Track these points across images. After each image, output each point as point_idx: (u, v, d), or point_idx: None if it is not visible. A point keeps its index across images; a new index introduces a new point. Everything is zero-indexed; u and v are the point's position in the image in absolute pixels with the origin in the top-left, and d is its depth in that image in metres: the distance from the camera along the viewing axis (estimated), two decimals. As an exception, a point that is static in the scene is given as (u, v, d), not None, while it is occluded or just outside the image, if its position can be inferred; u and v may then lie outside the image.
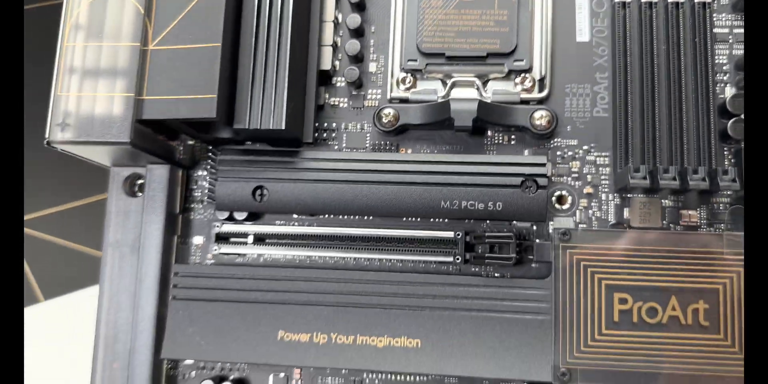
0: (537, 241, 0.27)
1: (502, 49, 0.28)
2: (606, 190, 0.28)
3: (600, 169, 0.28)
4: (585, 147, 0.28)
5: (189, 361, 0.28)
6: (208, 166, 0.29)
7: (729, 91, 0.27)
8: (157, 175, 0.28)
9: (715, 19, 0.28)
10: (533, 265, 0.27)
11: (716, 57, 0.28)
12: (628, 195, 0.28)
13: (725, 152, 0.27)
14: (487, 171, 0.26)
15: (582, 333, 0.25)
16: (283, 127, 0.25)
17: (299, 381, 0.27)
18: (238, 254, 0.28)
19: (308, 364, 0.26)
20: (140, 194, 0.28)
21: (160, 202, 0.28)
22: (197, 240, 0.29)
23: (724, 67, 0.28)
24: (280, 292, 0.27)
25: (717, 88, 0.28)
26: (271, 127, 0.25)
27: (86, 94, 0.25)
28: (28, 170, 0.43)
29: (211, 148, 0.29)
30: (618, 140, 0.27)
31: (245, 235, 0.28)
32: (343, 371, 0.27)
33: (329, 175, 0.27)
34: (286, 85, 0.26)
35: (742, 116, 0.26)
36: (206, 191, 0.29)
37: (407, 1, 0.29)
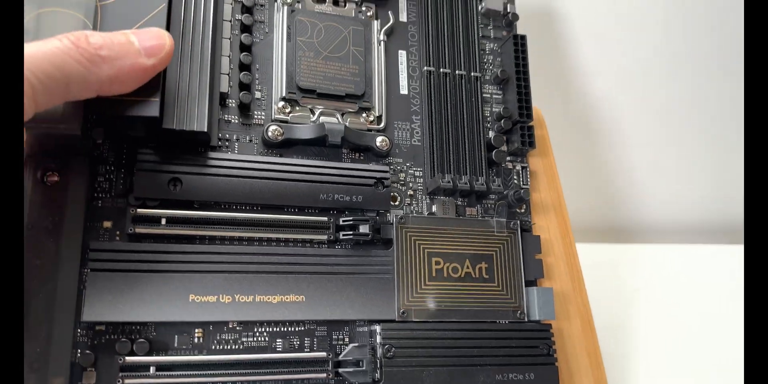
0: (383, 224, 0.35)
1: (355, 92, 0.37)
2: (420, 193, 0.38)
3: (417, 178, 0.38)
4: (408, 164, 0.38)
5: (101, 327, 0.29)
6: (123, 161, 0.31)
7: (491, 133, 0.40)
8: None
9: (483, 88, 0.41)
10: (377, 242, 0.35)
11: (484, 111, 0.41)
12: (435, 197, 0.38)
13: (491, 171, 0.39)
14: (353, 174, 0.34)
15: (413, 285, 0.34)
16: (205, 129, 0.30)
17: (200, 338, 0.31)
18: (152, 234, 0.31)
19: (216, 319, 0.30)
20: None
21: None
22: (106, 224, 0.31)
23: (488, 118, 0.41)
24: (189, 263, 0.30)
25: (485, 130, 0.40)
26: (195, 129, 0.30)
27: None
28: None
29: (125, 145, 0.32)
30: (426, 160, 0.38)
31: (159, 218, 0.31)
32: (238, 327, 0.32)
33: (234, 171, 0.32)
34: (209, 89, 0.31)
35: (502, 148, 0.39)
36: (116, 182, 0.31)
37: (286, 50, 0.36)
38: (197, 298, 0.30)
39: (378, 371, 0.32)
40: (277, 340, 0.32)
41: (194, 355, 0.30)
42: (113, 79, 0.25)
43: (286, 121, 0.36)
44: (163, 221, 0.31)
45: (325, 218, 0.34)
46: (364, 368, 0.31)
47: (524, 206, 0.39)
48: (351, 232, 0.33)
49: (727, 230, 0.62)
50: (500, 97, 0.41)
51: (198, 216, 0.31)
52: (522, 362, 0.34)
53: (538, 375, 0.34)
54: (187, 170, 0.31)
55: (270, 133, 0.34)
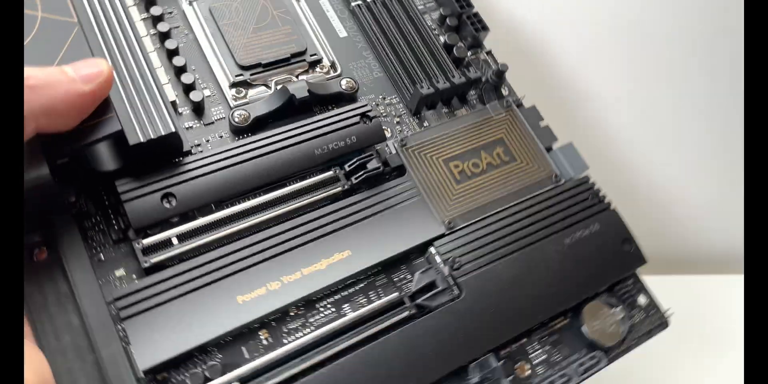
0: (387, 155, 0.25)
1: (298, 49, 0.27)
2: (406, 117, 0.28)
3: (395, 106, 0.28)
4: (380, 96, 0.28)
5: (164, 375, 0.20)
6: (106, 203, 0.22)
7: (442, 38, 0.29)
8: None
9: (415, 2, 0.30)
10: (393, 173, 0.25)
11: (425, 21, 0.30)
12: (420, 114, 0.28)
13: (460, 69, 0.29)
14: (336, 120, 0.24)
15: (444, 195, 0.24)
16: (173, 130, 0.20)
17: (268, 339, 0.22)
18: (170, 258, 0.21)
19: (276, 308, 0.21)
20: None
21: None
22: (118, 273, 0.22)
23: (433, 26, 0.30)
24: (220, 269, 0.22)
25: (435, 37, 0.30)
26: (163, 133, 0.20)
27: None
28: None
29: (101, 189, 0.22)
30: (396, 85, 0.28)
31: (169, 240, 0.21)
32: (300, 311, 0.22)
33: (220, 164, 0.23)
34: (159, 95, 0.21)
35: (459, 44, 0.28)
36: (109, 230, 0.22)
37: (214, 39, 0.26)
38: (246, 297, 0.21)
39: (455, 286, 0.22)
40: (343, 306, 0.22)
41: (252, 369, 0.21)
42: (48, 110, 0.18)
43: (247, 104, 0.25)
44: (175, 241, 0.21)
45: (331, 172, 0.24)
46: (440, 288, 0.22)
47: (506, 87, 0.29)
48: (362, 172, 0.23)
49: (723, 260, 0.42)
50: (434, 4, 0.30)
51: (207, 221, 0.22)
52: (581, 218, 0.24)
53: (602, 223, 0.24)
54: (174, 181, 0.22)
55: (237, 119, 0.24)
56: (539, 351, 0.24)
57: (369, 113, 0.25)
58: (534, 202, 0.25)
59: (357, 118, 0.25)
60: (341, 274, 0.22)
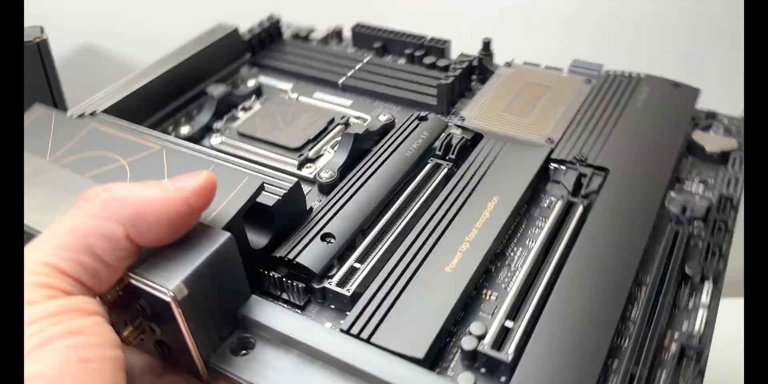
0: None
1: (328, 119, 0.33)
2: (443, 117, 0.33)
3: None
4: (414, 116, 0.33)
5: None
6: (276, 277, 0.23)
7: (423, 68, 0.36)
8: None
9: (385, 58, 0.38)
10: (471, 147, 0.29)
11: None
12: (450, 110, 0.33)
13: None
14: (401, 131, 0.29)
15: (525, 128, 0.29)
16: (295, 179, 0.23)
17: (493, 294, 0.22)
18: (362, 281, 0.22)
19: (479, 261, 0.22)
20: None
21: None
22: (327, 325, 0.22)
23: (405, 63, 0.37)
24: (415, 258, 0.23)
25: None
26: (289, 186, 0.23)
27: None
28: None
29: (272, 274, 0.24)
30: (417, 105, 0.33)
31: (352, 268, 0.23)
32: (498, 265, 0.23)
33: (347, 195, 0.26)
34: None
35: (443, 61, 0.36)
36: (295, 297, 0.23)
37: (256, 147, 0.31)
38: (451, 265, 0.22)
39: (595, 169, 0.25)
40: (527, 242, 0.24)
41: (508, 307, 0.21)
42: (137, 218, 0.17)
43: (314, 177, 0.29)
44: (357, 265, 0.22)
45: (429, 163, 0.27)
46: (588, 176, 0.24)
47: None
48: (453, 149, 0.27)
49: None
50: (394, 56, 0.39)
51: (370, 240, 0.24)
52: (632, 89, 0.30)
53: (648, 85, 0.31)
54: (321, 225, 0.25)
55: (324, 177, 0.28)
56: (694, 184, 0.26)
57: (420, 114, 0.30)
58: (591, 100, 0.30)
59: (416, 122, 0.30)
60: (506, 212, 0.24)
